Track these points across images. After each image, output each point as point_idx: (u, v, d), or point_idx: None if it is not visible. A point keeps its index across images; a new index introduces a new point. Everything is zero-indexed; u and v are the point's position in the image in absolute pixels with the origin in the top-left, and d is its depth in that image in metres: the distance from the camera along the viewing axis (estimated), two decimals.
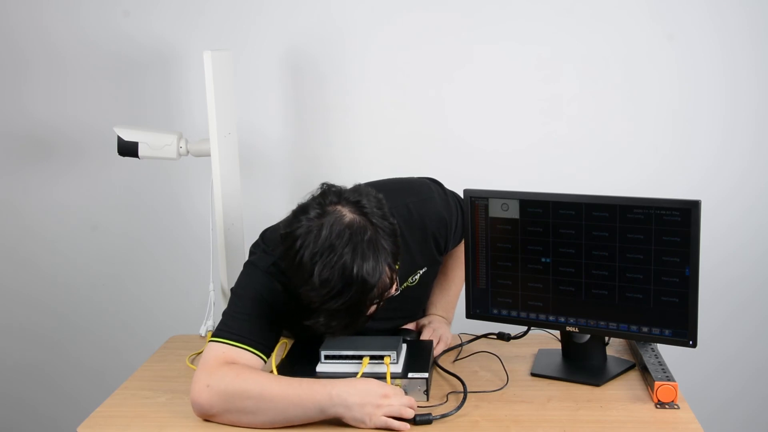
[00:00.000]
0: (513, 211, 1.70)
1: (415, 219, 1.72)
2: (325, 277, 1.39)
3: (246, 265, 1.67)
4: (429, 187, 1.80)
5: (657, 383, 1.53)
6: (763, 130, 2.50)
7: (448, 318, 1.96)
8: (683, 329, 1.57)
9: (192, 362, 1.83)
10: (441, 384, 1.66)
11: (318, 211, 1.45)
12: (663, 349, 1.71)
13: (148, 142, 2.10)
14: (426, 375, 1.57)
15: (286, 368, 1.62)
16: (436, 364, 1.74)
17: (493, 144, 2.55)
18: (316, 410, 1.45)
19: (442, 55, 2.52)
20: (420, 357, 1.66)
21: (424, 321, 1.92)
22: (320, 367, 1.61)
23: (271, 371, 1.56)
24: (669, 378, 1.56)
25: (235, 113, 2.22)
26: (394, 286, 1.50)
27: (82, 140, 2.66)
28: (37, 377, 2.86)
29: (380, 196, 1.52)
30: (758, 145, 2.51)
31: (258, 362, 1.55)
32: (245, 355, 1.54)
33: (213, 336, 1.57)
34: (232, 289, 1.64)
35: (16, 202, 2.75)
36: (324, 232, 1.41)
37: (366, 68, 2.53)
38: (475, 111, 2.54)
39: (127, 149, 2.10)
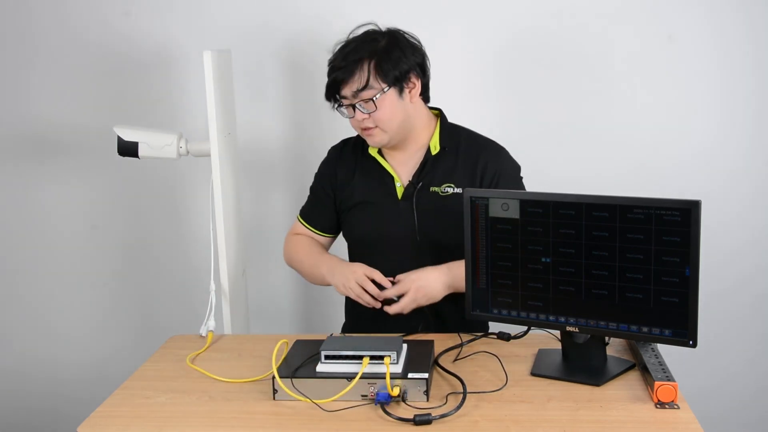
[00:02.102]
0: (513, 211, 1.70)
1: (473, 145, 2.00)
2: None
3: None
4: (504, 148, 2.04)
5: (657, 383, 1.53)
6: (763, 130, 2.51)
7: (448, 275, 1.90)
8: (683, 329, 1.57)
9: (192, 362, 1.83)
10: (441, 384, 1.66)
11: None
12: (663, 349, 1.71)
13: (148, 142, 2.10)
14: (426, 375, 1.57)
15: (287, 368, 1.62)
16: (436, 363, 1.75)
17: None
18: (321, 276, 2.01)
19: (442, 54, 2.52)
20: (420, 357, 1.66)
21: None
22: (320, 367, 1.61)
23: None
24: (669, 378, 1.56)
25: (235, 113, 2.23)
26: (373, 93, 1.86)
27: (82, 140, 2.67)
28: (37, 377, 2.87)
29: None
30: (759, 144, 2.51)
31: (307, 231, 2.13)
32: (301, 228, 2.15)
33: None
34: None
35: (17, 202, 2.75)
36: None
37: None
38: (474, 111, 2.54)
39: (127, 149, 2.10)
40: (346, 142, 2.14)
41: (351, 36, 1.95)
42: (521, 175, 2.03)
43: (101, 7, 2.58)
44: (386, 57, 1.89)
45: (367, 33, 1.95)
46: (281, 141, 2.64)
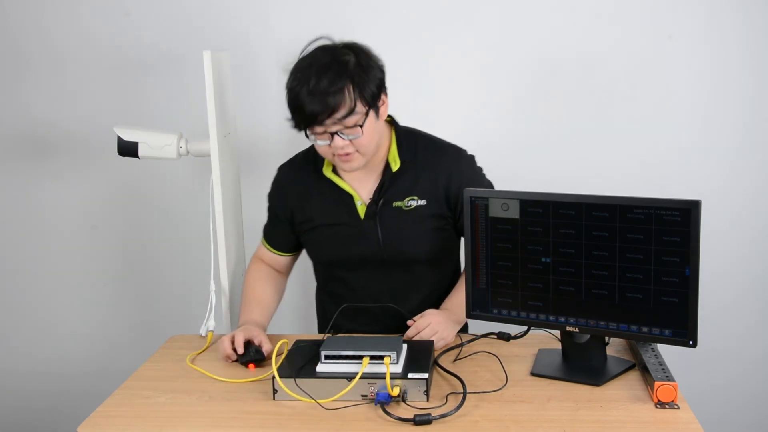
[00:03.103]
0: (513, 211, 1.70)
1: (431, 153, 1.91)
2: (304, 55, 1.79)
3: None
4: (463, 150, 1.96)
5: (657, 383, 1.53)
6: (763, 130, 2.50)
7: (458, 316, 1.90)
8: (683, 329, 1.57)
9: (192, 362, 1.83)
10: (441, 384, 1.66)
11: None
12: (663, 349, 1.71)
13: (148, 142, 2.10)
14: (426, 375, 1.57)
15: (287, 368, 1.62)
16: (436, 364, 1.74)
17: (495, 144, 2.55)
18: None
19: (443, 55, 2.52)
20: (420, 357, 1.66)
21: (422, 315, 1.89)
22: (320, 367, 1.61)
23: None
24: (669, 378, 1.56)
25: (235, 113, 2.22)
26: (358, 118, 1.73)
27: (82, 140, 2.67)
28: (37, 377, 2.87)
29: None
30: (759, 144, 2.51)
31: (270, 254, 2.08)
32: (266, 252, 2.09)
33: None
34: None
35: (17, 202, 2.75)
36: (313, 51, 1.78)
37: None
38: (476, 111, 2.55)
39: (127, 149, 2.10)
40: (293, 162, 2.02)
41: (304, 53, 1.78)
42: (479, 166, 1.97)
43: (101, 7, 2.58)
44: (364, 77, 1.74)
45: (330, 52, 1.76)
46: (281, 141, 2.64)
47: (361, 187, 1.92)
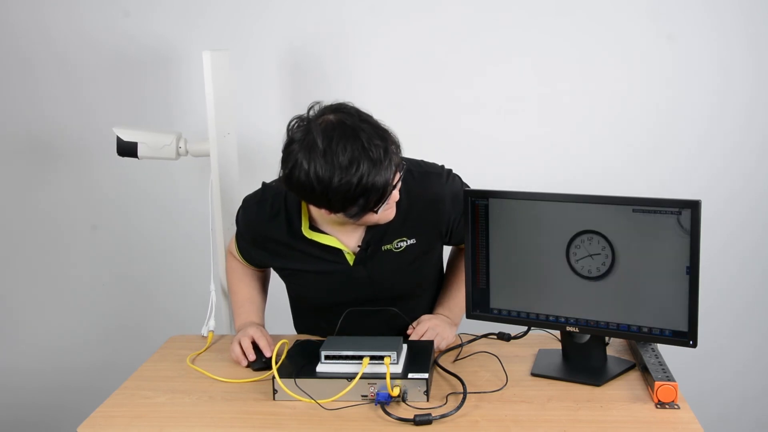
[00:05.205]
0: (513, 211, 1.70)
1: (414, 186, 1.78)
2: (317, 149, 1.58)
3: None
4: (442, 167, 1.87)
5: (657, 383, 1.53)
6: (763, 129, 2.50)
7: (452, 318, 1.92)
8: (683, 329, 1.57)
9: (192, 362, 1.83)
10: (441, 384, 1.66)
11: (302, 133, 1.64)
12: (663, 349, 1.71)
13: (147, 142, 2.10)
14: (426, 375, 1.57)
15: (287, 368, 1.62)
16: (436, 364, 1.74)
17: (497, 144, 2.55)
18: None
19: (444, 56, 2.52)
20: (420, 357, 1.66)
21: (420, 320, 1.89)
22: (320, 367, 1.61)
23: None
24: (669, 378, 1.56)
25: (235, 113, 2.22)
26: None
27: (81, 140, 2.67)
28: (37, 377, 2.87)
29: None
30: (759, 144, 2.51)
31: (245, 262, 1.98)
32: (240, 256, 1.97)
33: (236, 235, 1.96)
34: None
35: (17, 202, 2.75)
36: (320, 144, 1.57)
37: (366, 68, 2.53)
38: (478, 112, 2.55)
39: (127, 149, 2.10)
40: (261, 206, 1.84)
41: (323, 132, 1.59)
42: (459, 179, 1.87)
43: (101, 7, 2.58)
44: (372, 118, 1.64)
45: (349, 125, 1.59)
46: (281, 141, 2.63)
47: (347, 238, 1.80)
